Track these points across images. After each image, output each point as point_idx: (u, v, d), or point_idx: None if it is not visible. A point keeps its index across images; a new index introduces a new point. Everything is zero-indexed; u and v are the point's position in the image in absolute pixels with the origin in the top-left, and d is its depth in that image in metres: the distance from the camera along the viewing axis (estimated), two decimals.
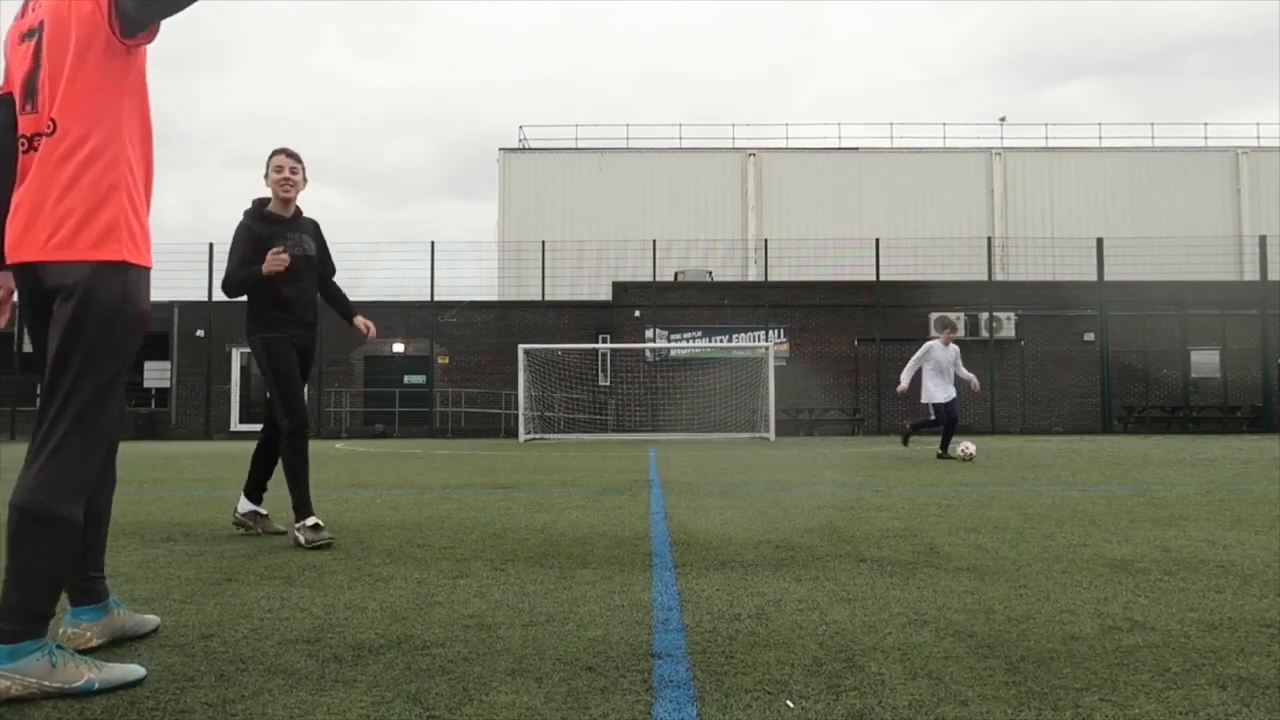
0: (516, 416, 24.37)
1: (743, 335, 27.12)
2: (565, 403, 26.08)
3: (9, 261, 2.37)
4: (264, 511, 4.97)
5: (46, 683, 2.17)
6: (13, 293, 2.51)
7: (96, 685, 2.21)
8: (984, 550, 4.15)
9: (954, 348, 12.35)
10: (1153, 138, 37.89)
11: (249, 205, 4.82)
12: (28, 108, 2.36)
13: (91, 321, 2.26)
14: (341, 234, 76.62)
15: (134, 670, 2.30)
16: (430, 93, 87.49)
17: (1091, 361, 26.98)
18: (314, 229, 4.95)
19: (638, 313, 27.34)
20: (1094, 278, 27.34)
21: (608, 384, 26.88)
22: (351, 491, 7.50)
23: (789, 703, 2.05)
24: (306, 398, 4.99)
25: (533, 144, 38.23)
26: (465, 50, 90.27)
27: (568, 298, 28.48)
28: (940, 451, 11.88)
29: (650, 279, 28.30)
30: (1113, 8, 73.16)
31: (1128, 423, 26.29)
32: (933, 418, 12.23)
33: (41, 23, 2.36)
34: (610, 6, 78.70)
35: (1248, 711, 1.98)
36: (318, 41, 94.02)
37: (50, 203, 2.28)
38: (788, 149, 37.35)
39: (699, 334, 27.33)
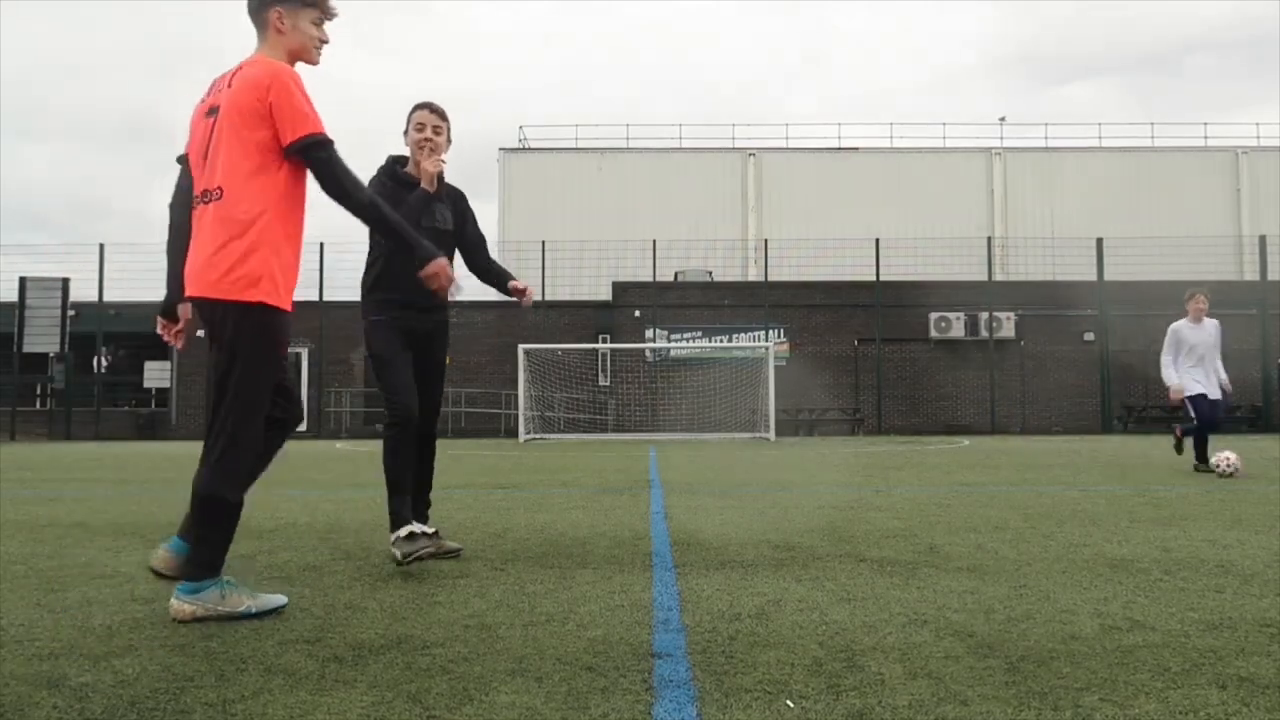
0: (516, 416, 24.37)
1: (743, 335, 27.13)
2: (565, 403, 26.09)
3: (186, 295, 3.15)
4: (430, 530, 3.83)
5: (219, 607, 2.86)
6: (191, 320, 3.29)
7: (254, 610, 2.90)
8: (984, 550, 4.15)
9: (1211, 324, 9.61)
10: (1153, 137, 37.92)
11: (383, 162, 4.12)
12: (205, 169, 3.03)
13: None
14: (349, 235, 76.48)
15: (278, 600, 2.99)
16: (444, 91, 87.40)
17: (1091, 361, 26.98)
18: (459, 200, 4.18)
19: (638, 313, 27.35)
20: (1094, 278, 27.35)
21: (608, 384, 26.89)
22: (351, 491, 7.50)
23: (789, 703, 2.05)
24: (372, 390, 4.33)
25: (533, 144, 38.24)
26: (467, 48, 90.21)
27: (568, 298, 28.49)
28: (1197, 463, 9.14)
29: (650, 279, 28.30)
30: (1118, 8, 73.22)
31: (1128, 423, 26.29)
32: (1193, 416, 9.29)
33: (219, 106, 3.01)
34: (610, 7, 78.73)
35: (1248, 711, 1.98)
36: (339, 42, 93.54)
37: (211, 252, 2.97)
38: (788, 149, 37.37)
39: (699, 334, 27.33)
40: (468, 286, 3.70)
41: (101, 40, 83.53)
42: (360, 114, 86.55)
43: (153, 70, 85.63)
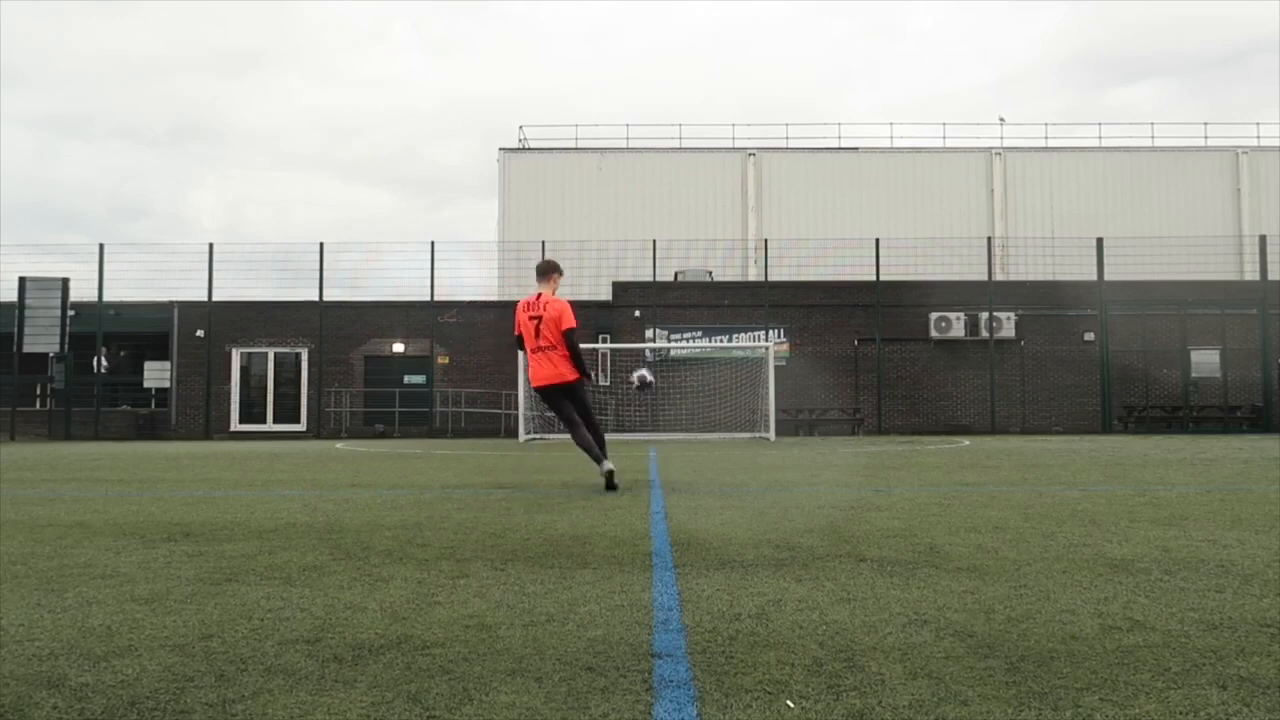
0: (516, 416, 24.36)
1: (743, 335, 27.13)
2: None
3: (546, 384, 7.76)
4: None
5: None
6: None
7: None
8: (984, 550, 4.15)
9: None
10: (1153, 137, 37.94)
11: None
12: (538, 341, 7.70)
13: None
14: (347, 235, 76.45)
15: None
16: (444, 91, 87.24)
17: (1091, 361, 26.99)
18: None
19: (638, 313, 27.35)
20: (1094, 278, 27.35)
21: (608, 384, 26.89)
22: (351, 491, 7.50)
23: (789, 703, 2.05)
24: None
25: (532, 144, 38.24)
26: (468, 49, 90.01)
27: (568, 298, 28.45)
28: None
29: (650, 279, 28.30)
30: (1182, 8, 73.20)
31: (1128, 423, 26.30)
32: None
33: (541, 315, 7.69)
34: (611, 8, 78.69)
35: (1248, 711, 1.98)
36: (382, 39, 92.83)
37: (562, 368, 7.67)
38: (788, 149, 37.36)
39: (699, 334, 27.33)
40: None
41: (153, 41, 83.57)
42: (407, 114, 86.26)
43: (204, 70, 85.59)
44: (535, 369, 7.66)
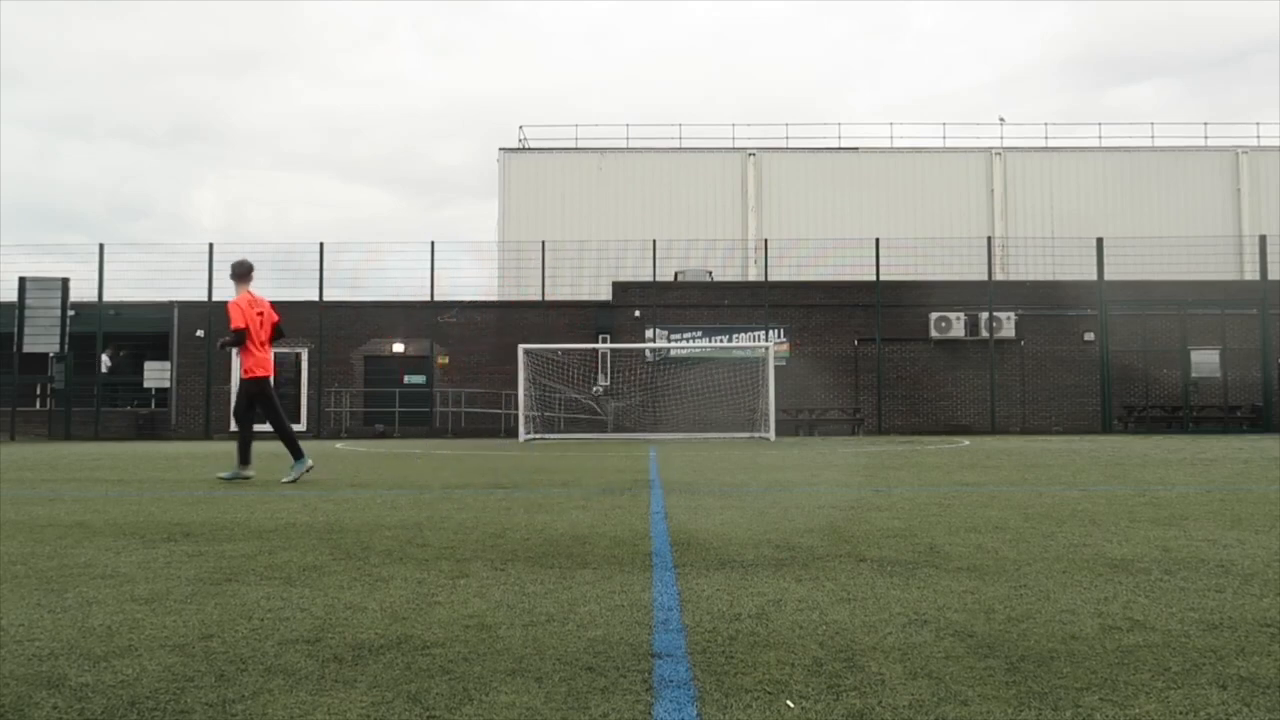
0: (516, 416, 24.36)
1: (743, 335, 27.13)
2: (565, 403, 26.08)
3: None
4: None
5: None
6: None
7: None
8: (984, 550, 4.15)
9: None
10: (1153, 137, 37.93)
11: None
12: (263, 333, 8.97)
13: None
14: (347, 235, 76.50)
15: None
16: (444, 91, 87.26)
17: (1091, 361, 26.99)
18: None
19: (638, 313, 27.34)
20: (1094, 277, 27.34)
21: (608, 384, 26.89)
22: (351, 491, 7.50)
23: (789, 703, 2.05)
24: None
25: (533, 144, 38.25)
26: (482, 50, 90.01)
27: (568, 297, 28.49)
28: None
29: (650, 279, 28.30)
30: (1180, 8, 73.33)
31: (1128, 423, 26.29)
32: None
33: (263, 312, 8.92)
34: (611, 8, 78.68)
35: (1248, 711, 1.98)
36: (382, 39, 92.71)
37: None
38: (788, 149, 37.36)
39: (699, 334, 27.33)
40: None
41: (153, 41, 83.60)
42: (407, 114, 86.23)
43: (204, 70, 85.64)
44: (265, 360, 8.82)
